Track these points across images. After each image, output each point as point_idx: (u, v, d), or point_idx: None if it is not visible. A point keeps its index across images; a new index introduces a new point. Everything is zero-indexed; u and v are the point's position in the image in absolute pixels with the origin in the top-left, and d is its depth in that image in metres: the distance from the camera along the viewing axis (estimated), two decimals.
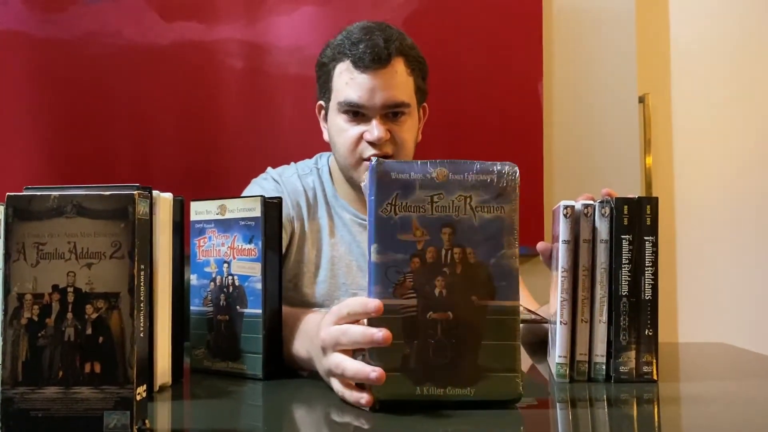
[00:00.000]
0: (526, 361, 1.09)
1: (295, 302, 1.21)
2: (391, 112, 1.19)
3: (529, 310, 1.05)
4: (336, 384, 0.73)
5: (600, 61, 2.13)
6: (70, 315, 0.60)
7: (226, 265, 0.90)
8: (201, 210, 0.93)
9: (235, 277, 0.89)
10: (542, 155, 2.09)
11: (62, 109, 1.76)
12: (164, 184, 0.90)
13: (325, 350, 0.74)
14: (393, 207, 0.69)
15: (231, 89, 1.84)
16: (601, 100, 2.15)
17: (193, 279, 0.93)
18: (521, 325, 1.20)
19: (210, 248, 0.92)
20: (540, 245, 0.95)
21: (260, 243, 0.87)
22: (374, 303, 0.68)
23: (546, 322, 1.01)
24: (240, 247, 0.88)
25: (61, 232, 0.61)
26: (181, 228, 0.87)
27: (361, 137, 1.18)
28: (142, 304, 0.62)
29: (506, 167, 0.70)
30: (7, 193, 0.62)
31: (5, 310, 0.61)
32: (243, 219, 0.88)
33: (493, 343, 0.68)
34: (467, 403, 0.69)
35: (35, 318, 0.60)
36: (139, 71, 1.79)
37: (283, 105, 1.85)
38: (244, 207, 0.88)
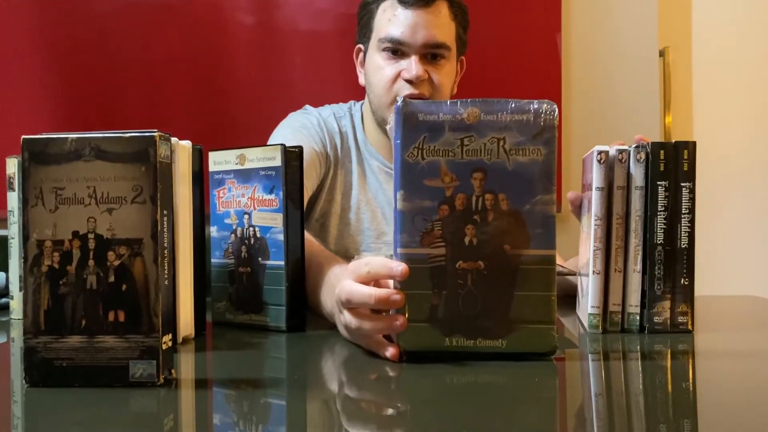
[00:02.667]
0: None
1: (320, 242, 1.21)
2: (431, 53, 1.20)
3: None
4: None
5: (620, 12, 2.07)
6: (91, 262, 0.58)
7: (246, 216, 0.87)
8: (220, 160, 0.90)
9: (257, 229, 0.86)
10: (560, 110, 2.04)
11: (72, 63, 1.72)
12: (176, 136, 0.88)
13: (339, 308, 0.72)
14: (420, 151, 0.65)
15: (241, 43, 1.80)
16: (620, 53, 2.09)
17: (213, 231, 0.91)
18: None
19: (230, 199, 0.89)
20: (570, 194, 0.92)
21: (281, 193, 0.84)
22: (401, 267, 0.65)
23: (574, 275, 0.99)
24: (261, 197, 0.86)
25: (80, 176, 0.58)
26: (201, 178, 0.84)
27: (398, 75, 1.19)
28: (165, 251, 0.59)
29: (544, 105, 0.66)
30: (23, 136, 0.59)
31: (25, 258, 0.59)
32: (263, 169, 0.86)
33: (527, 294, 0.64)
34: (498, 355, 0.66)
35: (56, 265, 0.58)
36: (148, 26, 1.75)
37: (293, 58, 1.81)
38: (264, 156, 0.86)
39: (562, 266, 1.01)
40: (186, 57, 1.76)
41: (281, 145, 0.85)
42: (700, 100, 2.24)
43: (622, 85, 2.08)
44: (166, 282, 0.59)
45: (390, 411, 0.57)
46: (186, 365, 0.71)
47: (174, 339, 0.62)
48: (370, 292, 0.66)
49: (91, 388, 0.58)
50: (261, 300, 0.85)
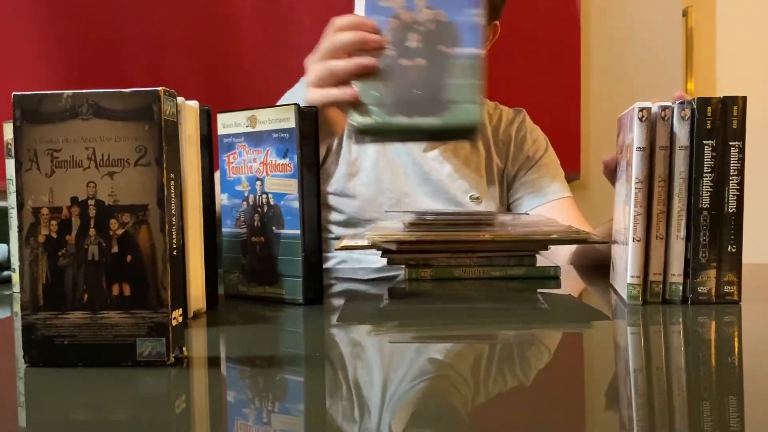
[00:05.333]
0: (579, 283, 1.02)
1: (337, 208, 1.20)
2: None
3: (584, 231, 0.97)
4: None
5: None
6: (92, 231, 0.53)
7: (259, 182, 0.82)
8: (229, 122, 0.84)
9: (270, 196, 0.81)
10: (579, 74, 1.97)
11: (74, 24, 1.66)
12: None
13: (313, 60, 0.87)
14: None
15: (248, 0, 1.73)
16: (642, 12, 2.01)
17: (224, 198, 0.86)
18: (575, 247, 1.14)
19: (241, 165, 0.84)
20: (605, 156, 0.86)
21: (296, 157, 0.78)
22: (370, 22, 0.81)
23: (605, 243, 0.93)
24: (274, 162, 0.80)
25: (78, 136, 0.53)
26: (210, 142, 0.79)
27: None
28: (173, 219, 0.54)
29: None
30: (14, 93, 0.54)
31: (20, 227, 0.54)
32: (276, 131, 0.80)
33: (457, 82, 0.76)
34: (436, 133, 0.79)
35: (54, 235, 0.53)
36: None
37: (303, 15, 1.74)
38: (277, 117, 0.80)
39: (592, 234, 0.95)
40: (192, 15, 1.70)
41: (295, 105, 0.79)
42: (723, 63, 2.16)
43: (643, 46, 2.00)
44: (174, 252, 0.54)
45: (413, 386, 0.52)
46: (197, 342, 0.67)
47: (184, 314, 0.57)
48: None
49: (95, 368, 0.53)
50: (276, 271, 0.80)
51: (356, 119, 0.79)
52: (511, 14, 1.88)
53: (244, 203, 0.83)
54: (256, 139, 0.82)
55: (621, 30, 2.00)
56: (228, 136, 0.84)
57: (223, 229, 0.86)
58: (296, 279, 0.79)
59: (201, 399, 0.51)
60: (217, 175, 0.96)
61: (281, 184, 0.80)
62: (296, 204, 0.79)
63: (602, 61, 2.00)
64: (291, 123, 0.78)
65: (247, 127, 0.82)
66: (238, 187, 0.84)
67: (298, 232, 0.79)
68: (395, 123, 0.77)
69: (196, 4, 1.70)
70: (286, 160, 0.79)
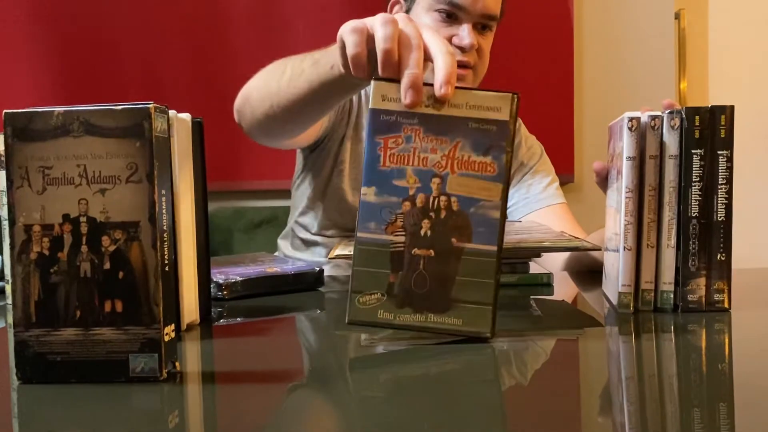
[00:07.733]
0: (573, 290, 1.03)
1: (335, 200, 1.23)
2: (482, 23, 1.19)
3: (576, 237, 0.98)
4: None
5: None
6: (84, 248, 0.53)
7: (437, 180, 0.66)
8: (394, 96, 0.65)
9: (454, 199, 0.66)
10: (573, 76, 1.98)
11: (66, 37, 1.66)
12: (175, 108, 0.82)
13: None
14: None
15: (240, 8, 1.73)
16: (634, 15, 2.02)
17: (369, 194, 0.68)
18: (569, 253, 1.14)
19: (408, 152, 0.66)
20: (596, 164, 0.87)
21: (503, 157, 0.65)
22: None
23: (597, 250, 0.94)
24: (466, 158, 0.66)
25: (69, 153, 0.53)
26: (202, 153, 0.79)
27: (449, 40, 1.16)
28: (165, 234, 0.54)
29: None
30: (4, 111, 0.54)
31: (12, 244, 0.54)
32: (476, 120, 0.65)
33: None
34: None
35: (46, 252, 0.53)
36: None
37: (296, 22, 1.74)
38: (482, 104, 0.64)
39: (585, 241, 0.96)
40: (183, 25, 1.70)
41: (514, 93, 0.65)
42: (715, 64, 2.16)
43: (636, 48, 2.01)
44: (166, 268, 0.55)
45: (407, 393, 0.52)
46: (191, 355, 0.67)
47: (177, 328, 0.58)
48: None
49: (88, 384, 0.54)
50: (449, 295, 0.66)
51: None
52: (505, 18, 1.89)
53: (407, 203, 0.67)
54: (440, 124, 0.66)
55: (614, 32, 2.01)
56: (391, 112, 0.66)
57: (360, 234, 0.67)
58: (484, 307, 0.66)
59: (194, 414, 0.52)
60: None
61: (474, 186, 0.67)
62: (495, 214, 0.65)
63: (595, 62, 2.01)
64: (503, 115, 0.65)
65: (426, 106, 0.66)
66: (399, 182, 0.67)
67: (494, 248, 0.65)
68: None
69: (190, 12, 1.71)
70: (488, 159, 0.66)
